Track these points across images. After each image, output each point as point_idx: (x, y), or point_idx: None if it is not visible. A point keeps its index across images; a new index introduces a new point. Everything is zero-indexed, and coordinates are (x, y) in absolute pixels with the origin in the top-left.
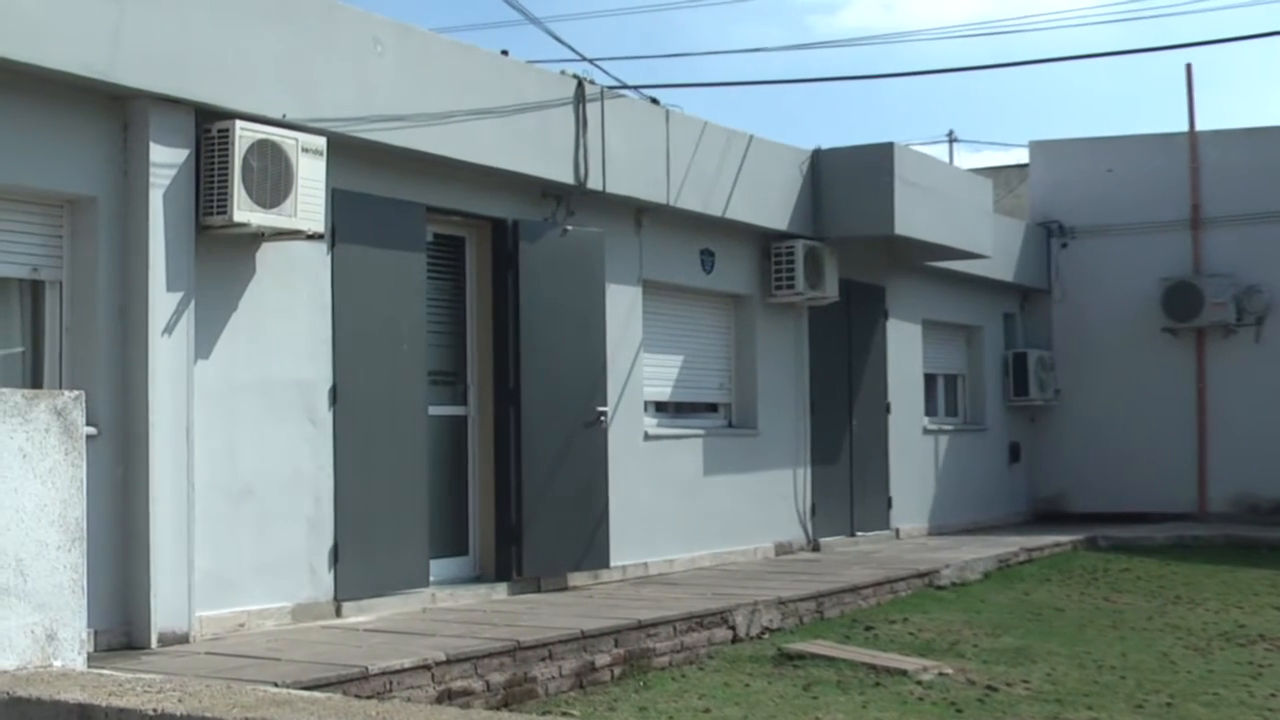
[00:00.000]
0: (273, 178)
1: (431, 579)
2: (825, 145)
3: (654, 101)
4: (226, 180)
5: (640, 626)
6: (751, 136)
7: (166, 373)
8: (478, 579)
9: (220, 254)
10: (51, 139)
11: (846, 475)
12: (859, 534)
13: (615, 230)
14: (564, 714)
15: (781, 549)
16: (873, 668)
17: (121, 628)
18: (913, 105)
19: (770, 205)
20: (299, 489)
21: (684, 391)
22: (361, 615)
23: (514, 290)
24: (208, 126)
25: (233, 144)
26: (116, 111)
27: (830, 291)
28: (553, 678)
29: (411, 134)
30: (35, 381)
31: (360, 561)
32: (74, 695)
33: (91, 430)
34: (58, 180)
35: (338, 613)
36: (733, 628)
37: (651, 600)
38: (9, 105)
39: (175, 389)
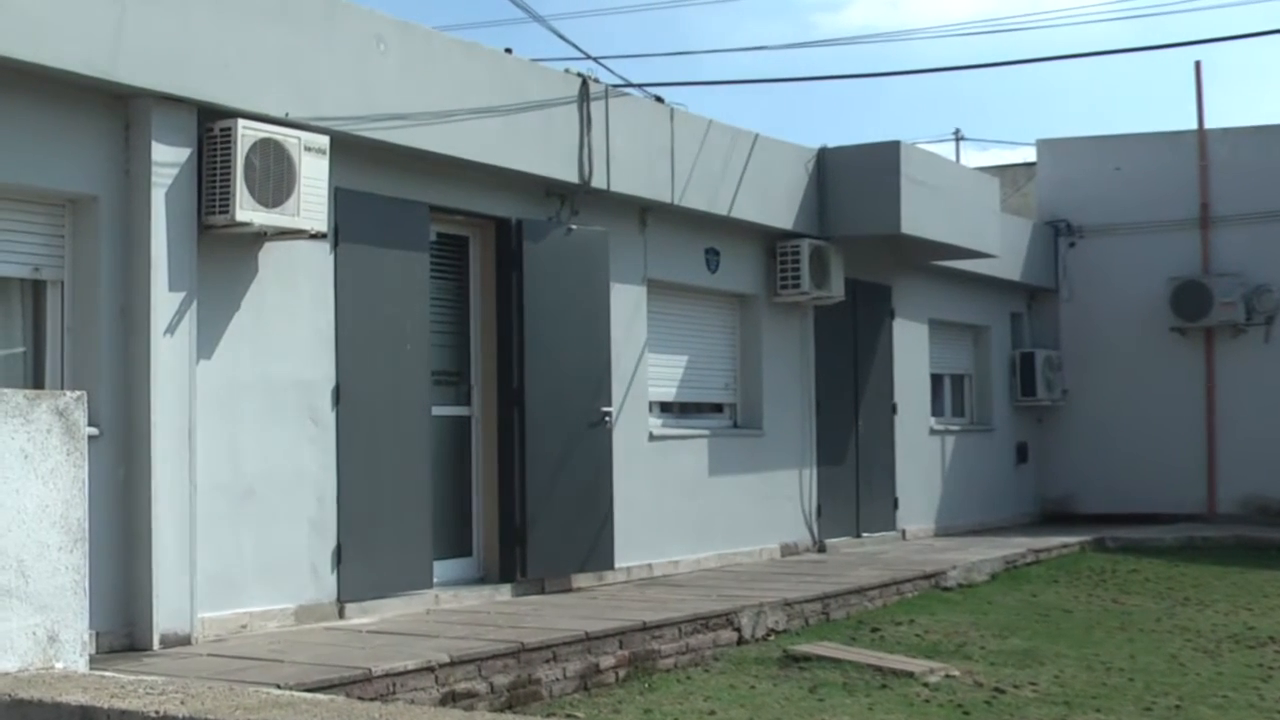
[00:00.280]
0: (275, 177)
1: (435, 580)
2: (831, 144)
3: (658, 100)
4: (229, 179)
5: (645, 628)
6: (757, 135)
7: (168, 373)
8: (481, 580)
9: (222, 254)
10: (53, 138)
11: (852, 476)
12: (865, 535)
13: (620, 229)
14: (568, 716)
15: (787, 550)
16: (879, 670)
17: (123, 629)
18: (919, 103)
19: (775, 204)
20: (302, 489)
21: (689, 391)
22: (365, 616)
23: (518, 290)
24: (210, 125)
25: (235, 143)
26: (118, 110)
27: (836, 291)
28: (557, 680)
29: (415, 133)
30: (37, 382)
31: (363, 563)
32: (76, 697)
33: (93, 431)
34: (59, 179)
35: (341, 614)
36: (738, 629)
37: (656, 602)
38: (10, 104)
39: (177, 389)
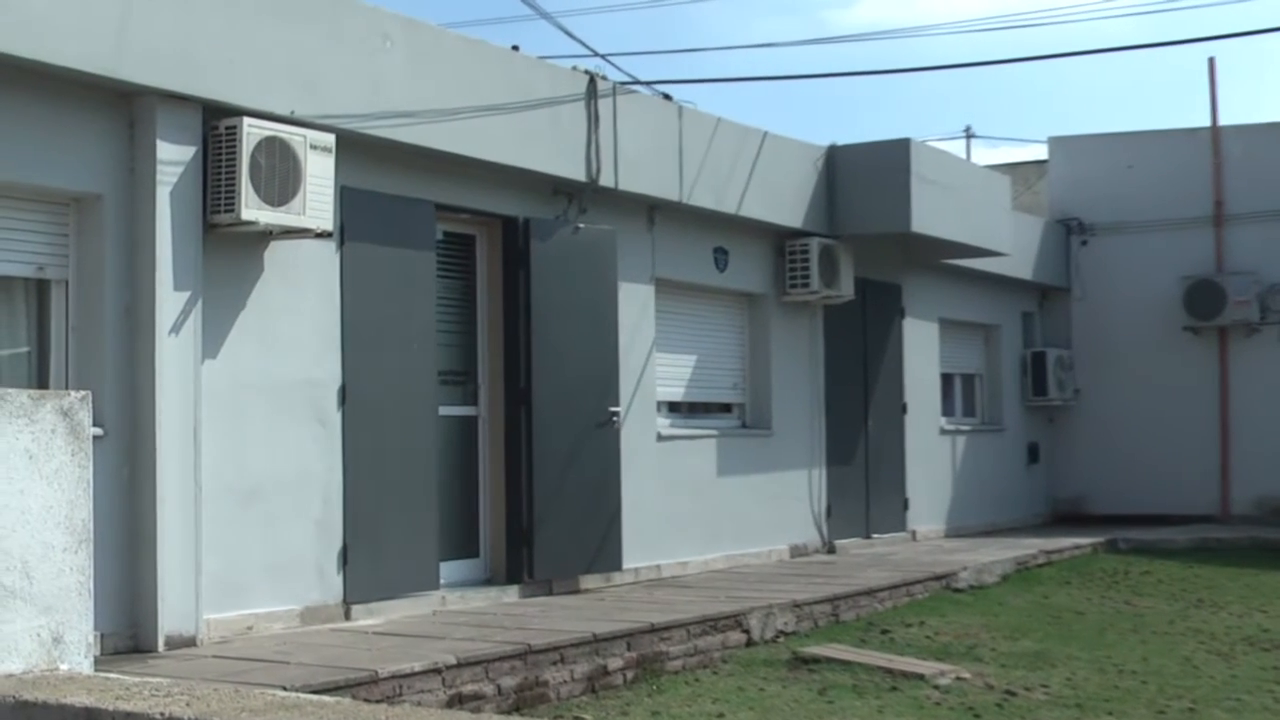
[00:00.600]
0: (281, 175)
1: (442, 581)
2: (840, 141)
3: (667, 97)
4: (234, 178)
5: (653, 630)
6: (766, 133)
7: (173, 373)
8: (488, 581)
9: (228, 252)
10: (57, 136)
11: (862, 476)
12: (875, 536)
13: (627, 228)
14: (576, 718)
15: (796, 551)
16: (889, 672)
17: (128, 631)
18: (929, 101)
19: (785, 202)
20: (307, 490)
21: (697, 391)
22: (371, 618)
23: (525, 289)
24: (215, 123)
25: (240, 141)
26: (123, 108)
27: (845, 290)
28: (564, 681)
29: (421, 131)
30: (41, 382)
31: (369, 564)
32: (81, 699)
33: (98, 431)
34: (63, 178)
35: (347, 615)
36: (747, 631)
37: (664, 603)
38: (13, 102)
39: (182, 389)
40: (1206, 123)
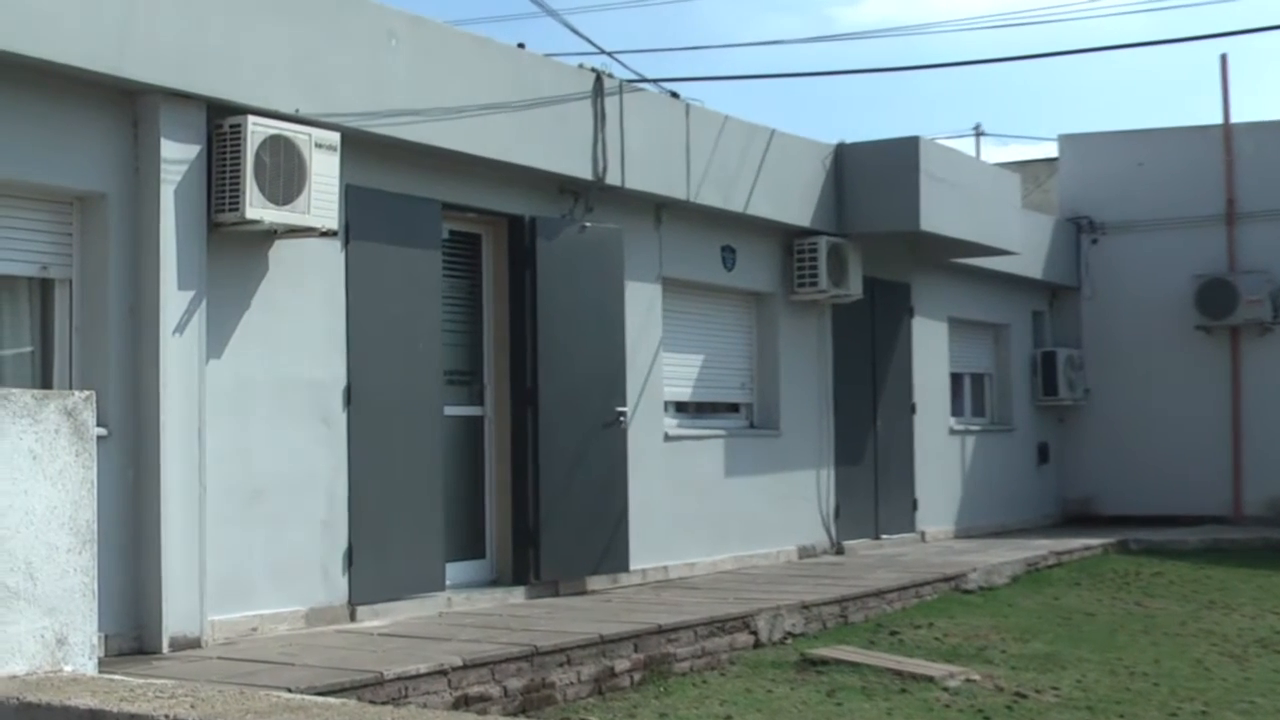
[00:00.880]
0: (285, 174)
1: (447, 582)
2: (849, 139)
3: (674, 95)
4: (238, 176)
5: (660, 631)
6: (773, 131)
7: (178, 373)
8: (494, 582)
9: (232, 252)
10: (60, 134)
11: (871, 477)
12: (884, 537)
13: (634, 227)
14: None
15: (804, 552)
16: (898, 674)
17: (132, 632)
18: (938, 98)
19: (793, 201)
20: (312, 491)
21: (705, 391)
22: (376, 619)
23: (531, 288)
24: (219, 122)
25: (245, 139)
26: (126, 107)
27: (854, 289)
28: (571, 683)
29: (426, 129)
30: (45, 382)
31: (375, 565)
32: (85, 701)
33: (102, 431)
34: (67, 177)
35: (352, 617)
36: (755, 633)
37: (672, 604)
38: (17, 100)
39: (187, 389)
40: (1218, 120)
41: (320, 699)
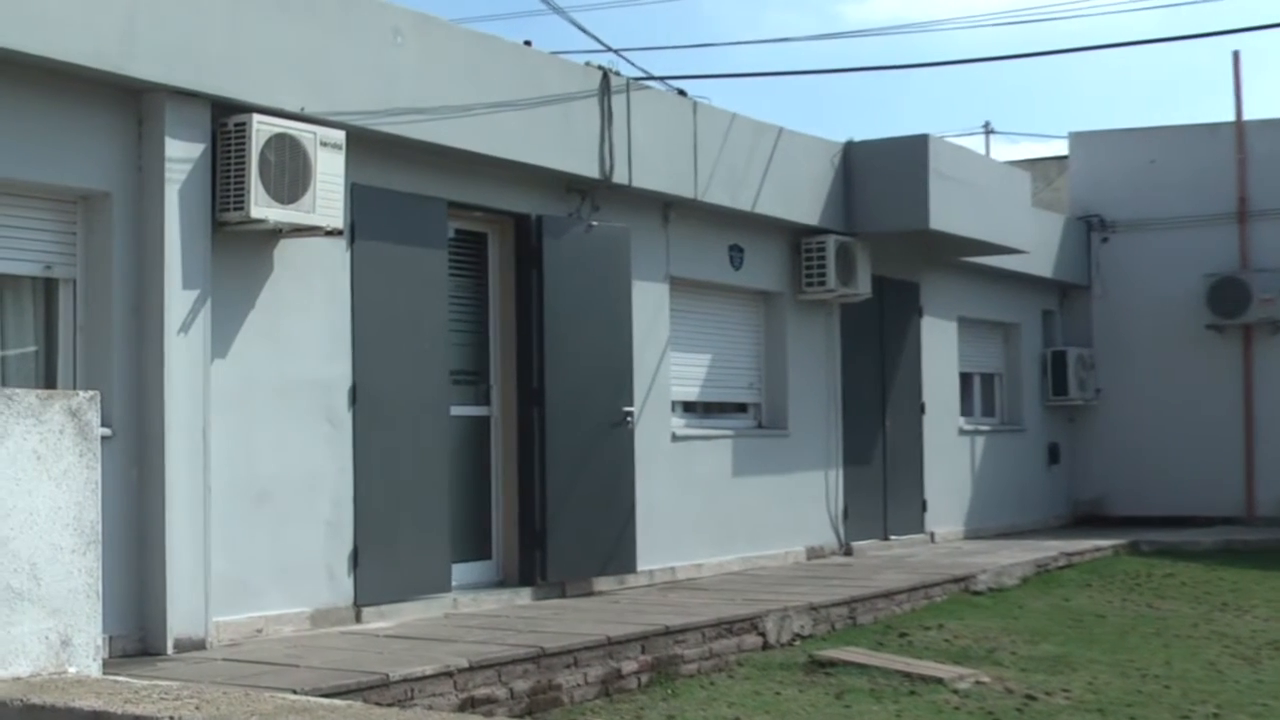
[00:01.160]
0: (290, 172)
1: (453, 584)
2: (857, 137)
3: (681, 93)
4: (243, 175)
5: (668, 633)
6: (781, 129)
7: (182, 372)
8: (501, 584)
9: (237, 251)
10: (64, 133)
11: (880, 477)
12: (893, 538)
13: (641, 226)
14: None
15: (813, 553)
16: (907, 676)
17: (137, 633)
18: (947, 96)
19: (801, 200)
20: (318, 491)
21: (712, 391)
22: (382, 621)
23: (538, 288)
24: (224, 120)
25: (250, 138)
26: (131, 105)
27: (863, 288)
28: (578, 685)
29: (432, 127)
30: (49, 382)
31: (380, 566)
32: (89, 702)
33: (106, 431)
34: (71, 175)
35: (357, 618)
36: (763, 634)
37: (679, 606)
38: (20, 98)
39: (191, 389)
40: (1230, 117)
41: (325, 701)
